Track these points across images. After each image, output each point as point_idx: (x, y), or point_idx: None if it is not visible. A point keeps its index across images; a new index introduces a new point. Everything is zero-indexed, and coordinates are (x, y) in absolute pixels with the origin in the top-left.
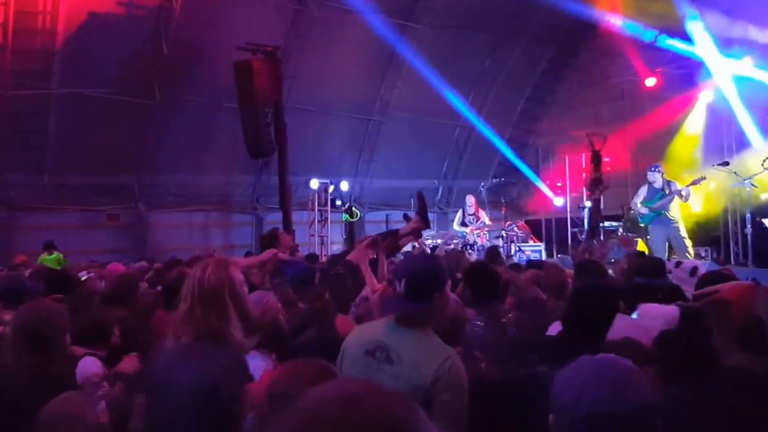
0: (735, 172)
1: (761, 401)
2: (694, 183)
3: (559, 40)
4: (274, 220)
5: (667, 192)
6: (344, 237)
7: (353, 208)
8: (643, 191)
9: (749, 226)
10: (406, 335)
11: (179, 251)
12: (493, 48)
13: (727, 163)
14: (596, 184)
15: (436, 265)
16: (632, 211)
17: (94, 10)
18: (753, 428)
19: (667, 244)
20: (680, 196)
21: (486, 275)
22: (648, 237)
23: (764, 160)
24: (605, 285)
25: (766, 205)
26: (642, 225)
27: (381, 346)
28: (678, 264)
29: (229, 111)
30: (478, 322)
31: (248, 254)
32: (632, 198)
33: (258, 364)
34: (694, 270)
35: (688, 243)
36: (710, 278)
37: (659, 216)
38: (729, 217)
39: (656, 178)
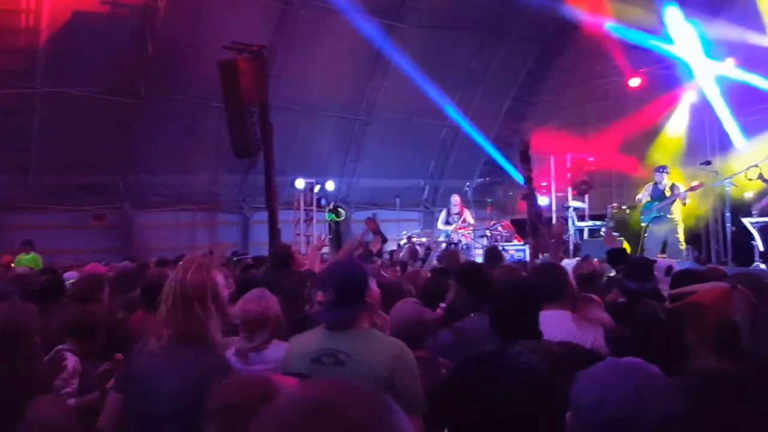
0: (716, 172)
1: (732, 403)
2: (692, 189)
3: (545, 40)
4: (260, 219)
5: (668, 194)
6: (329, 237)
7: (339, 208)
8: (648, 189)
9: (729, 225)
10: (347, 337)
11: (166, 251)
12: (479, 48)
13: (709, 163)
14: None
15: (359, 268)
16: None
17: (78, 8)
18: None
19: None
20: (682, 200)
21: (478, 277)
22: (645, 235)
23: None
24: (525, 283)
25: (747, 205)
26: (644, 224)
27: (326, 351)
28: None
29: (215, 110)
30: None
31: (234, 254)
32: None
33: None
34: (669, 269)
35: (683, 246)
36: (682, 277)
37: (659, 216)
38: (711, 216)
39: (662, 179)
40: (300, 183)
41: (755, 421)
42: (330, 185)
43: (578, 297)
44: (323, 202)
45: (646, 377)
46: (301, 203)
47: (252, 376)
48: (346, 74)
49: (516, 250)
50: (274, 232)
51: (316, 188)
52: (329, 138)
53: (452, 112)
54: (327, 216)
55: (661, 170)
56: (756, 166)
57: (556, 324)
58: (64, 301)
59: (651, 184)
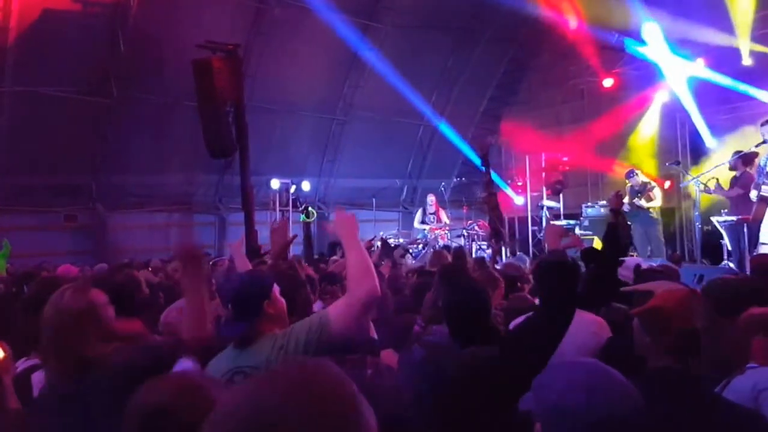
0: (685, 171)
1: (691, 399)
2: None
3: (520, 40)
4: (237, 220)
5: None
6: (303, 238)
7: (309, 208)
8: (627, 191)
9: (698, 224)
10: (253, 350)
11: (140, 253)
12: (455, 48)
13: (678, 163)
14: (488, 185)
15: (254, 277)
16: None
17: (48, 6)
18: (685, 427)
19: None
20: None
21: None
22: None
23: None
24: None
25: (717, 204)
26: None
27: (237, 370)
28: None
29: (189, 110)
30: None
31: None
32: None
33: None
34: (637, 267)
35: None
36: (645, 276)
37: (639, 214)
38: (683, 215)
39: (634, 182)
40: (275, 183)
41: (708, 421)
42: (306, 185)
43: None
44: (300, 202)
45: (615, 375)
46: (277, 204)
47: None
48: (323, 74)
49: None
50: (250, 233)
51: (292, 188)
52: (306, 138)
53: (429, 112)
54: (300, 217)
55: (629, 175)
56: (725, 163)
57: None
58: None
59: (628, 186)
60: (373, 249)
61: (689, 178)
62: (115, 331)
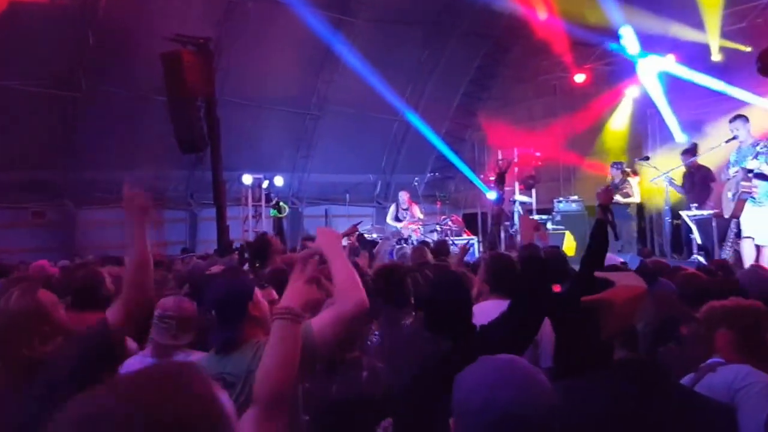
0: (655, 167)
1: (651, 387)
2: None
3: (493, 35)
4: (208, 216)
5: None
6: (274, 233)
7: (281, 203)
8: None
9: (668, 218)
10: (235, 356)
11: (110, 249)
12: (429, 43)
13: (647, 158)
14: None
15: (238, 283)
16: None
17: None
18: (645, 414)
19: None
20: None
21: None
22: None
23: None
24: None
25: (686, 199)
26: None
27: (216, 376)
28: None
29: (159, 104)
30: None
31: (184, 251)
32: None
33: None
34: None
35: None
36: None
37: (615, 209)
38: (653, 210)
39: (615, 175)
40: (247, 179)
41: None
42: (279, 180)
43: None
44: (272, 197)
45: (527, 372)
46: (249, 199)
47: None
48: (296, 68)
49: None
50: (222, 228)
51: (265, 184)
52: (279, 133)
53: (402, 107)
54: (270, 212)
55: (614, 166)
56: (696, 158)
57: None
58: None
59: (609, 179)
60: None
61: (658, 173)
62: (64, 329)
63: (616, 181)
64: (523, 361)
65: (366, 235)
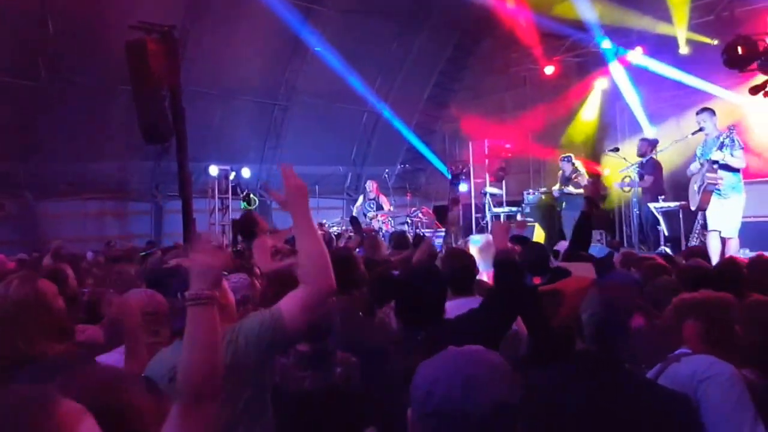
0: (624, 158)
1: (607, 378)
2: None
3: (464, 26)
4: (174, 208)
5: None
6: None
7: (251, 195)
8: (559, 177)
9: (635, 210)
10: None
11: (73, 243)
12: (399, 33)
13: (617, 149)
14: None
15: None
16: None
17: None
18: (600, 405)
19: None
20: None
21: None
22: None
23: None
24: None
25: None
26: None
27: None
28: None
29: (123, 93)
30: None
31: (150, 244)
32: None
33: None
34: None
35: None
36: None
37: (569, 200)
38: (622, 201)
39: (566, 168)
40: (213, 170)
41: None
42: (246, 172)
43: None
44: (240, 189)
45: (479, 367)
46: (216, 191)
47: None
48: (264, 57)
49: (436, 236)
50: (188, 221)
51: (231, 175)
52: (246, 123)
53: (372, 98)
54: (241, 205)
55: (564, 159)
56: (663, 151)
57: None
58: None
59: (560, 172)
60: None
61: (627, 165)
62: (66, 325)
63: (567, 173)
64: (486, 354)
65: (335, 228)
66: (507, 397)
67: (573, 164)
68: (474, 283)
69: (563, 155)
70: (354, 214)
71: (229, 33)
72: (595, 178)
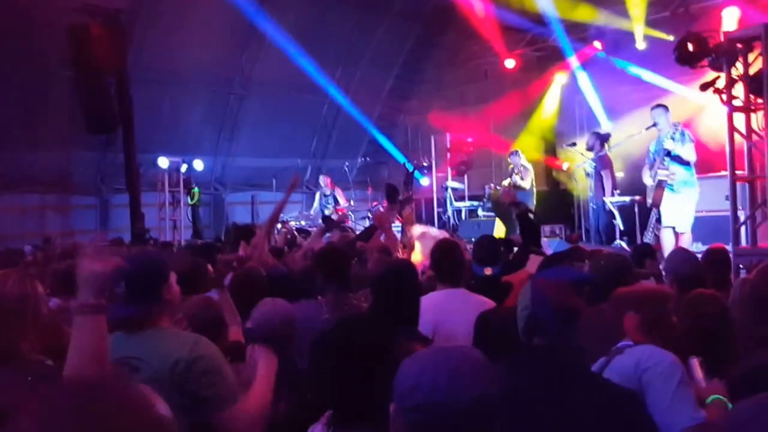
0: (582, 153)
1: (557, 373)
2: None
3: (425, 18)
4: (121, 202)
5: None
6: (189, 220)
7: (193, 189)
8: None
9: (592, 204)
10: (142, 338)
11: (10, 240)
12: (360, 23)
13: (574, 144)
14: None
15: (156, 262)
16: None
17: None
18: (550, 400)
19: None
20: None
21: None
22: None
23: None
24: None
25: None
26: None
27: (122, 360)
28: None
29: (65, 80)
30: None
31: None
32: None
33: None
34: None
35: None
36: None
37: (522, 194)
38: (580, 195)
39: (514, 162)
40: (163, 162)
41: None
42: (199, 164)
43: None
44: (191, 182)
45: (462, 362)
46: (166, 184)
47: None
48: (218, 44)
49: (398, 230)
50: (136, 216)
51: (183, 168)
52: (199, 113)
53: (332, 89)
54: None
55: (513, 154)
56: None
57: (458, 302)
58: None
59: (511, 167)
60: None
61: (584, 159)
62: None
63: (516, 167)
64: (468, 350)
65: (294, 223)
66: (489, 389)
67: (520, 158)
68: (462, 275)
69: (512, 150)
70: (312, 213)
71: (182, 18)
72: (509, 185)
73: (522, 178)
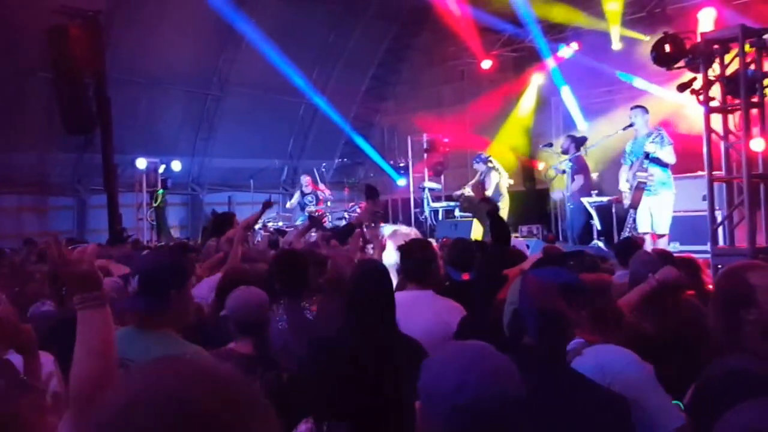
0: (558, 153)
1: (547, 374)
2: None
3: (402, 18)
4: (98, 203)
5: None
6: (152, 224)
7: (158, 191)
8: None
9: (568, 204)
10: (147, 343)
11: None
12: (337, 23)
13: (551, 145)
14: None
15: (175, 262)
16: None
17: None
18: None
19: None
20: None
21: (293, 262)
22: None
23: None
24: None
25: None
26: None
27: (123, 362)
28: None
29: (44, 81)
30: (281, 318)
31: (70, 241)
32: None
33: None
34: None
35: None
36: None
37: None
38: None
39: (479, 168)
40: (141, 163)
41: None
42: (176, 165)
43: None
44: (169, 183)
45: (498, 359)
46: (144, 185)
47: None
48: (196, 45)
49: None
50: (114, 217)
51: (161, 168)
52: (177, 114)
53: (309, 89)
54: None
55: (476, 159)
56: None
57: (421, 304)
58: None
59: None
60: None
61: (560, 160)
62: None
63: (481, 174)
64: (492, 348)
65: (272, 224)
66: (520, 389)
67: (486, 165)
68: (430, 274)
69: (476, 155)
70: (289, 206)
71: (159, 19)
72: (478, 183)
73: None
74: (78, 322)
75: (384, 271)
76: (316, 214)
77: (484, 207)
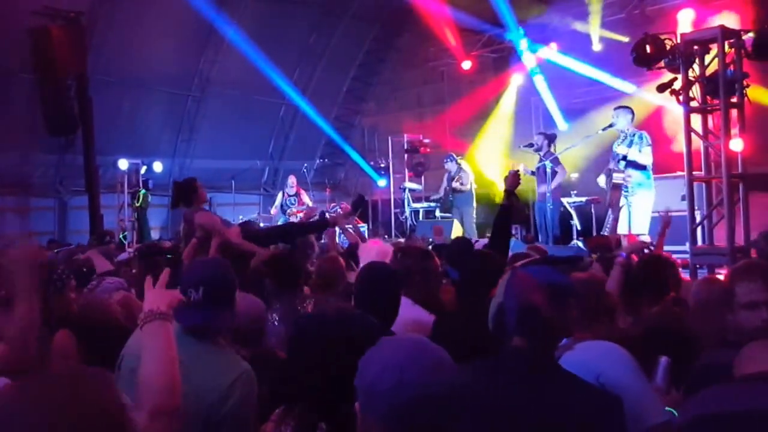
0: (534, 153)
1: (538, 374)
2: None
3: (383, 19)
4: (80, 204)
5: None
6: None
7: (140, 192)
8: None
9: (549, 205)
10: (197, 349)
11: None
12: (318, 24)
13: (531, 145)
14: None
15: (231, 269)
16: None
17: None
18: (527, 403)
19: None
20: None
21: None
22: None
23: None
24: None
25: (567, 185)
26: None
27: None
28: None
29: (25, 82)
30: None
31: (51, 242)
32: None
33: None
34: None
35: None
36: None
37: (457, 196)
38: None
39: (450, 168)
40: (123, 164)
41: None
42: (158, 166)
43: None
44: (150, 184)
45: (434, 354)
46: (125, 186)
47: None
48: (176, 46)
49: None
50: (95, 218)
51: (143, 170)
52: (158, 115)
53: (290, 90)
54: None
55: (447, 159)
56: (574, 146)
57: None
58: None
59: (447, 173)
60: None
61: (540, 159)
62: None
63: (452, 173)
64: (428, 341)
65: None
66: (460, 380)
67: (458, 163)
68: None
69: (447, 155)
70: (272, 212)
71: (140, 20)
72: (515, 171)
73: (462, 183)
74: (143, 332)
75: (392, 273)
76: (298, 215)
77: (504, 199)
